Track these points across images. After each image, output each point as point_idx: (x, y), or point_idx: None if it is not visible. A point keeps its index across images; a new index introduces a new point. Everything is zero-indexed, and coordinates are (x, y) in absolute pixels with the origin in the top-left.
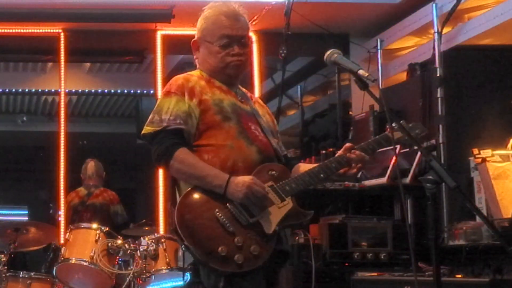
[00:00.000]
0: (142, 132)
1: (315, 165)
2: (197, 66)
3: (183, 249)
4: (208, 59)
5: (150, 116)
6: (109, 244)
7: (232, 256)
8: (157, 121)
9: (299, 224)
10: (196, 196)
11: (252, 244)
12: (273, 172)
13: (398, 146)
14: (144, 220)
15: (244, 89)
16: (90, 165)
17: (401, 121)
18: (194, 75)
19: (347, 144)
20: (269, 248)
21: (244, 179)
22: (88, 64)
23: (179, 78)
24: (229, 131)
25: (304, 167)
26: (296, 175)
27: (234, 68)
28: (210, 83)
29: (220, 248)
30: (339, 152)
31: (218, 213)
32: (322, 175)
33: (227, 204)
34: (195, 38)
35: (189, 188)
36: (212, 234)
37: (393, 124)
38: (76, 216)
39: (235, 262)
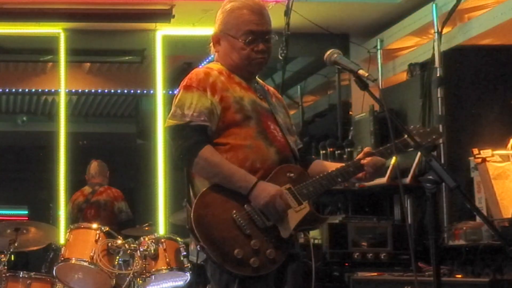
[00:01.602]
0: (165, 125)
1: (335, 164)
2: (216, 59)
3: (198, 248)
4: (230, 54)
5: (172, 110)
6: (109, 244)
7: (248, 259)
8: (179, 115)
9: (313, 229)
10: (213, 196)
11: (268, 248)
12: (291, 174)
13: None
14: (150, 222)
15: (261, 82)
16: (93, 165)
17: (417, 126)
18: (214, 69)
19: (366, 148)
20: (284, 252)
21: (270, 188)
22: (88, 64)
23: (199, 72)
24: (249, 131)
25: (325, 165)
26: (313, 178)
27: (257, 65)
28: (230, 78)
29: (236, 251)
30: (358, 156)
31: (235, 215)
32: (339, 179)
33: (245, 206)
34: (216, 31)
35: (206, 187)
36: (229, 236)
37: (411, 127)
38: (80, 214)
39: (251, 266)
